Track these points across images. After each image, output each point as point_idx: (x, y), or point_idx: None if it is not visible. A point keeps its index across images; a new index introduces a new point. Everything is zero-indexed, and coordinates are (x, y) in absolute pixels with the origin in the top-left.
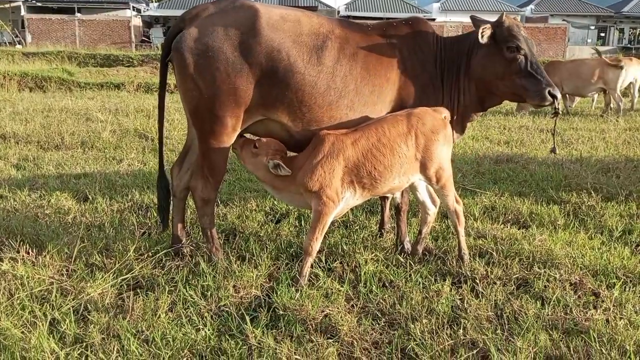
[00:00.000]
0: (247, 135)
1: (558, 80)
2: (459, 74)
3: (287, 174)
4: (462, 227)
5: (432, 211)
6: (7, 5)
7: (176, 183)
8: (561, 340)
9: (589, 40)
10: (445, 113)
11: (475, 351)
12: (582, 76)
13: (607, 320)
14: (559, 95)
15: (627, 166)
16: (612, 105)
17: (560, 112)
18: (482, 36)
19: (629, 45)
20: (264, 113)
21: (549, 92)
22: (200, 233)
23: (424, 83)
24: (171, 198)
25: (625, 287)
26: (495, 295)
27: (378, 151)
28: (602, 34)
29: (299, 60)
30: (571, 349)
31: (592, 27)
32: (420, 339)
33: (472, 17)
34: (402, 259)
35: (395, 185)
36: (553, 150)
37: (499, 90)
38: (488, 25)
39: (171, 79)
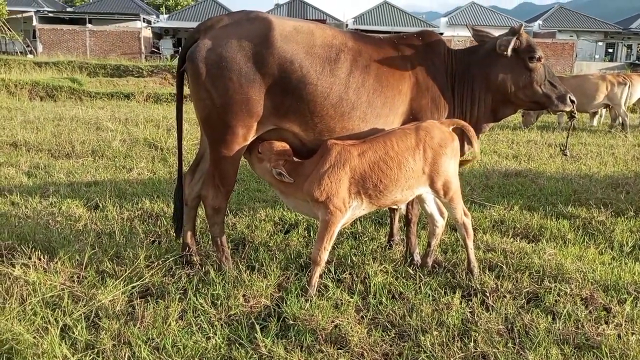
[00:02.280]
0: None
1: None
2: (473, 85)
3: (290, 181)
4: (471, 240)
5: (440, 223)
6: (19, 16)
7: (188, 191)
8: (573, 355)
9: (597, 56)
10: (453, 125)
11: None
12: (586, 92)
13: (619, 336)
14: (575, 99)
15: (637, 182)
16: (619, 120)
17: (576, 116)
18: (505, 48)
19: (637, 61)
20: (275, 122)
21: (570, 97)
22: (210, 242)
23: (435, 95)
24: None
25: (636, 302)
26: (505, 309)
27: (385, 164)
28: (610, 50)
29: (311, 72)
30: None
31: (600, 44)
32: (430, 352)
33: (472, 28)
34: (411, 271)
35: (401, 197)
36: (564, 152)
37: (519, 99)
38: (509, 38)
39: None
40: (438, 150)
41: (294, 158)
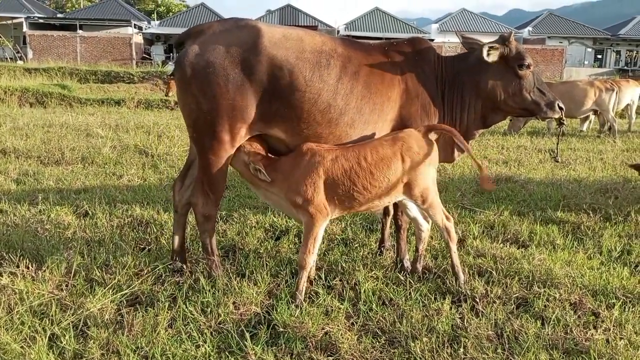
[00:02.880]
0: None
1: None
2: (463, 92)
3: (267, 180)
4: (454, 243)
5: (425, 227)
6: (9, 22)
7: (178, 198)
8: None
9: (586, 62)
10: (433, 131)
11: None
12: (574, 98)
13: (608, 341)
14: (563, 106)
15: (625, 187)
16: (607, 126)
17: (565, 123)
18: (489, 55)
19: (625, 67)
20: (263, 128)
21: (558, 105)
22: (200, 249)
23: (425, 102)
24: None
25: (624, 307)
26: (495, 315)
27: (355, 173)
28: (599, 56)
29: (300, 78)
30: None
31: (589, 50)
32: (420, 358)
33: (461, 36)
34: (401, 277)
35: (375, 205)
36: (555, 159)
37: (508, 106)
38: (495, 45)
39: (170, 96)
40: (415, 159)
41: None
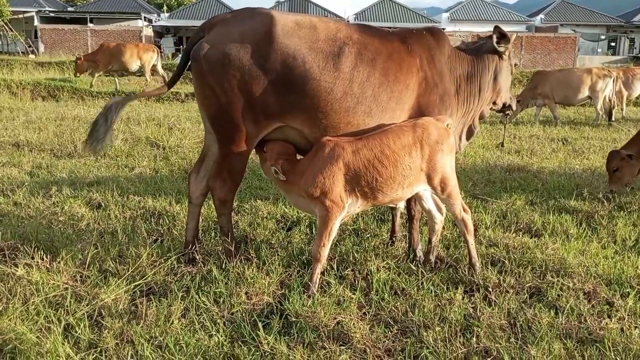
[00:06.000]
0: None
1: (548, 90)
2: (481, 84)
3: (282, 179)
4: (472, 235)
5: (439, 219)
6: (20, 16)
7: (193, 189)
8: (575, 350)
9: (599, 50)
10: (448, 121)
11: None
12: (571, 85)
13: (622, 330)
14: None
15: None
16: (622, 113)
17: (509, 113)
18: (505, 50)
19: (639, 54)
20: (281, 119)
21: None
22: (211, 240)
23: (443, 92)
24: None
25: (639, 296)
26: (508, 304)
27: (380, 162)
28: (613, 44)
29: (314, 67)
30: (586, 358)
31: (602, 37)
32: (433, 347)
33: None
34: (413, 267)
35: (398, 196)
36: (502, 145)
37: (501, 100)
38: (509, 45)
39: (180, 88)
40: (435, 147)
41: (297, 157)
